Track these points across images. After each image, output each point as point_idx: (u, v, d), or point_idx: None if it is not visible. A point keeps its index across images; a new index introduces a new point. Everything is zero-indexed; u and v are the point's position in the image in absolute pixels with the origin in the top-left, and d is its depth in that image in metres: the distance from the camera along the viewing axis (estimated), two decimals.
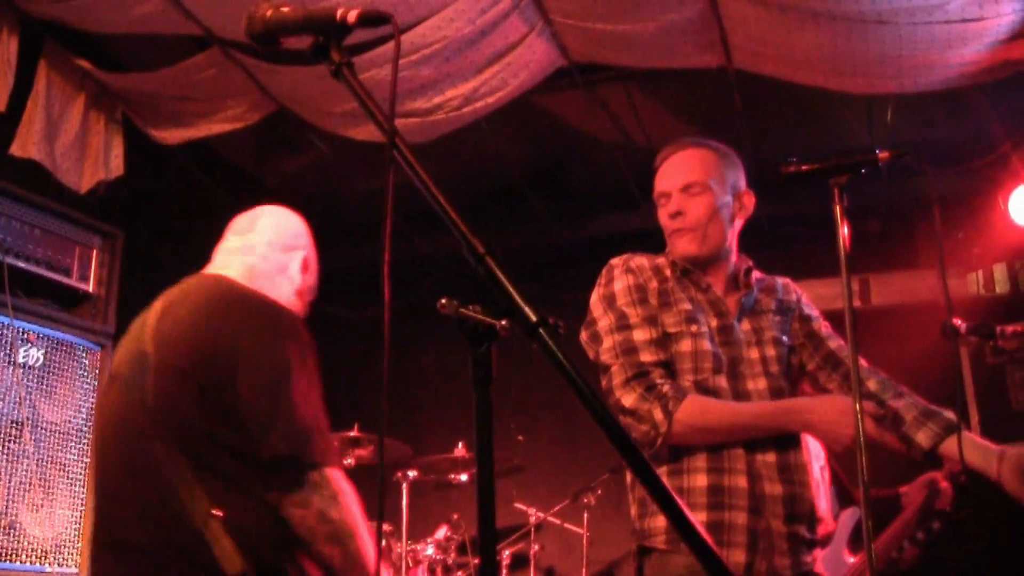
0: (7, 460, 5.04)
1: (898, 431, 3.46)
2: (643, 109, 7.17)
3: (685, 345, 3.41)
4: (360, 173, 7.57)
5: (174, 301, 3.08)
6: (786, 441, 3.38)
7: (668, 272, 3.56)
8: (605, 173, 8.08)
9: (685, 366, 3.39)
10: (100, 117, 6.39)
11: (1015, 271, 7.73)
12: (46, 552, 5.12)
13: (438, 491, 7.88)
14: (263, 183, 7.95)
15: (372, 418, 6.48)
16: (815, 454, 5.24)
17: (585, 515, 7.17)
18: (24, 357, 5.24)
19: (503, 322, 1.85)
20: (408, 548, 5.90)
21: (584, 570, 7.19)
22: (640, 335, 3.39)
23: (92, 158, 6.30)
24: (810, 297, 4.01)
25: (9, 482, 5.02)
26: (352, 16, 2.11)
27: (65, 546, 5.23)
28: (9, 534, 4.98)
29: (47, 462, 5.22)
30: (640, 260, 3.59)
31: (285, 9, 2.19)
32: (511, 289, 1.85)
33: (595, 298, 3.54)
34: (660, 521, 3.31)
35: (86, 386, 5.50)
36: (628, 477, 3.52)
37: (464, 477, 6.98)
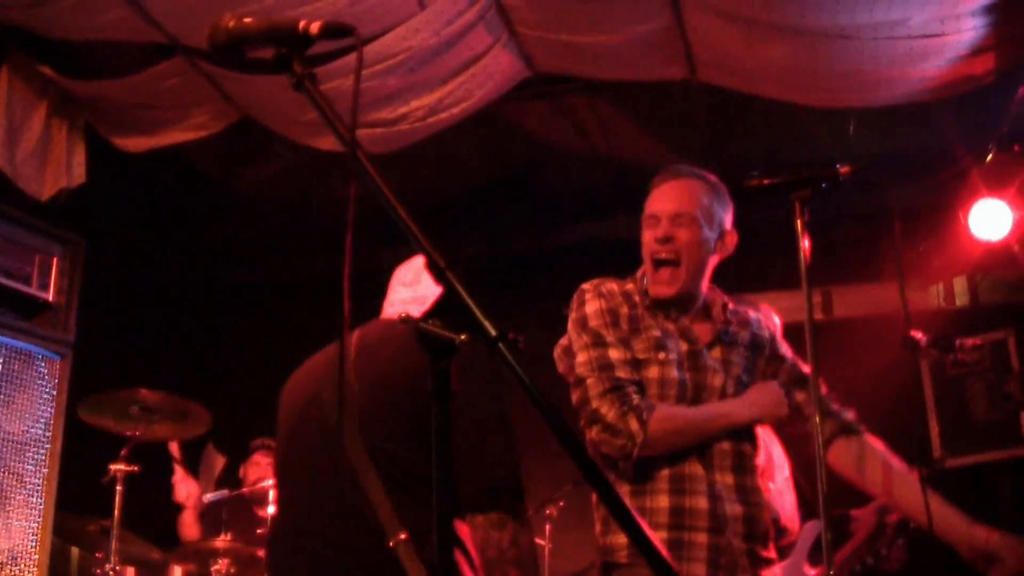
0: None
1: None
2: (608, 120, 7.19)
3: (652, 372, 3.47)
4: (326, 183, 7.55)
5: (372, 343, 3.33)
6: (743, 465, 3.49)
7: (637, 299, 3.61)
8: (570, 183, 8.10)
9: (651, 392, 3.45)
10: (62, 124, 6.35)
11: (975, 284, 7.79)
12: (2, 564, 5.07)
13: None
14: (230, 191, 7.91)
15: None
16: (779, 464, 5.25)
17: (548, 527, 7.15)
18: None
19: (462, 336, 1.85)
20: None
21: None
22: (615, 353, 3.45)
23: (54, 165, 6.25)
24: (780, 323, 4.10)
25: None
26: (314, 27, 2.10)
27: (22, 558, 5.18)
28: None
29: (4, 472, 5.17)
30: (611, 285, 3.63)
31: (248, 20, 2.18)
32: (471, 304, 1.85)
33: (570, 323, 3.60)
34: (622, 537, 3.36)
35: (45, 396, 5.45)
36: (595, 495, 3.53)
37: None
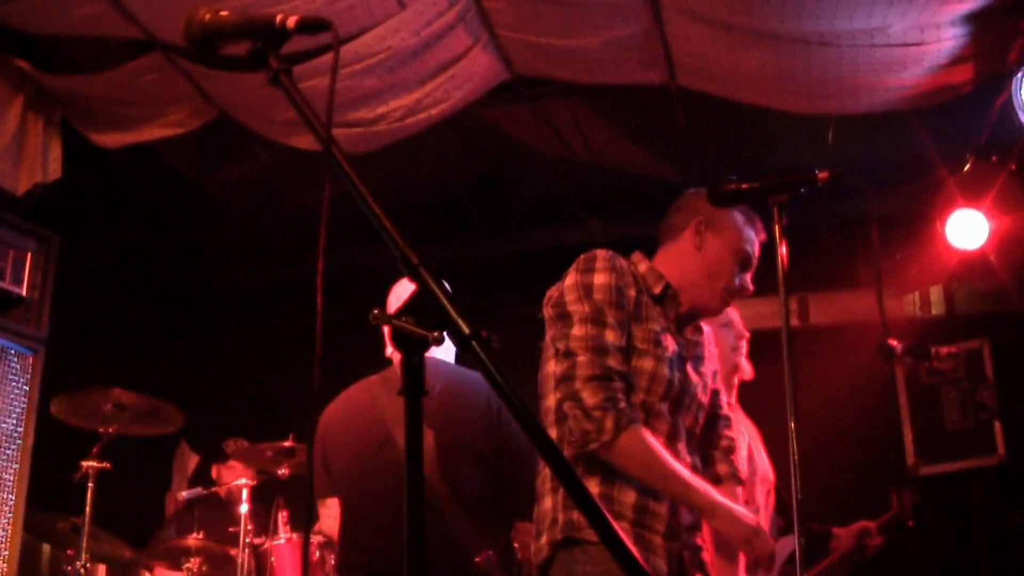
0: None
1: None
2: (586, 124, 7.19)
3: (647, 364, 3.43)
4: (300, 182, 7.53)
5: (455, 385, 4.34)
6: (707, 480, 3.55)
7: (643, 285, 3.57)
8: (547, 187, 8.09)
9: (640, 383, 3.41)
10: (38, 119, 6.30)
11: (951, 293, 7.82)
12: None
13: None
14: (205, 190, 7.88)
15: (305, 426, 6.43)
16: (763, 477, 5.25)
17: None
18: None
19: (435, 334, 1.85)
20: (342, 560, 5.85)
21: None
22: (612, 337, 3.36)
23: (29, 160, 6.21)
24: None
25: None
26: (291, 22, 2.09)
27: None
28: None
29: None
30: (623, 262, 3.55)
31: (224, 13, 2.17)
32: (444, 301, 1.84)
33: (571, 281, 3.47)
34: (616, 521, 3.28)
35: (17, 391, 5.42)
36: (547, 467, 3.47)
37: None
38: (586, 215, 7.99)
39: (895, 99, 5.86)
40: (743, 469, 5.11)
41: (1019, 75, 5.51)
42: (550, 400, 3.47)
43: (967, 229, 6.79)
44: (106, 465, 5.57)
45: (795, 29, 5.32)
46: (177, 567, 6.27)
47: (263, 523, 6.60)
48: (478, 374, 3.16)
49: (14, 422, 5.36)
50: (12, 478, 5.29)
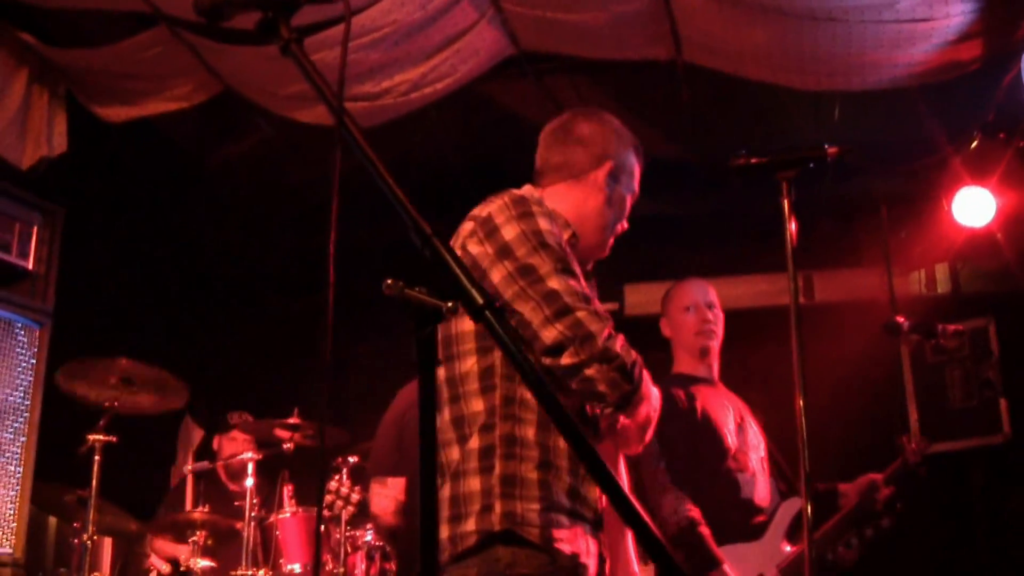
0: None
1: None
2: (590, 100, 7.16)
3: None
4: (305, 157, 7.51)
5: None
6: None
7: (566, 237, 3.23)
8: None
9: None
10: (43, 93, 6.29)
11: (956, 271, 7.82)
12: None
13: None
14: (206, 165, 7.87)
15: (312, 404, 6.44)
16: (754, 445, 5.27)
17: None
18: None
19: (449, 304, 1.84)
20: (347, 534, 5.86)
21: None
22: (587, 288, 3.07)
23: (34, 134, 6.20)
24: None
25: None
26: None
27: (0, 526, 5.16)
28: None
29: None
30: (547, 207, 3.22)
31: None
32: (458, 270, 1.84)
33: (516, 230, 3.07)
34: (552, 514, 2.95)
35: (24, 364, 5.43)
36: (475, 442, 3.01)
37: None
38: None
39: (903, 75, 5.84)
40: (730, 440, 5.15)
41: None
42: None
43: (973, 207, 6.77)
44: (112, 438, 5.57)
45: (802, 5, 5.31)
46: (182, 540, 6.28)
47: (268, 497, 6.63)
48: None
49: (21, 395, 5.37)
50: (19, 451, 5.30)
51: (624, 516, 1.77)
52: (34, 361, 5.48)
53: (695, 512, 4.86)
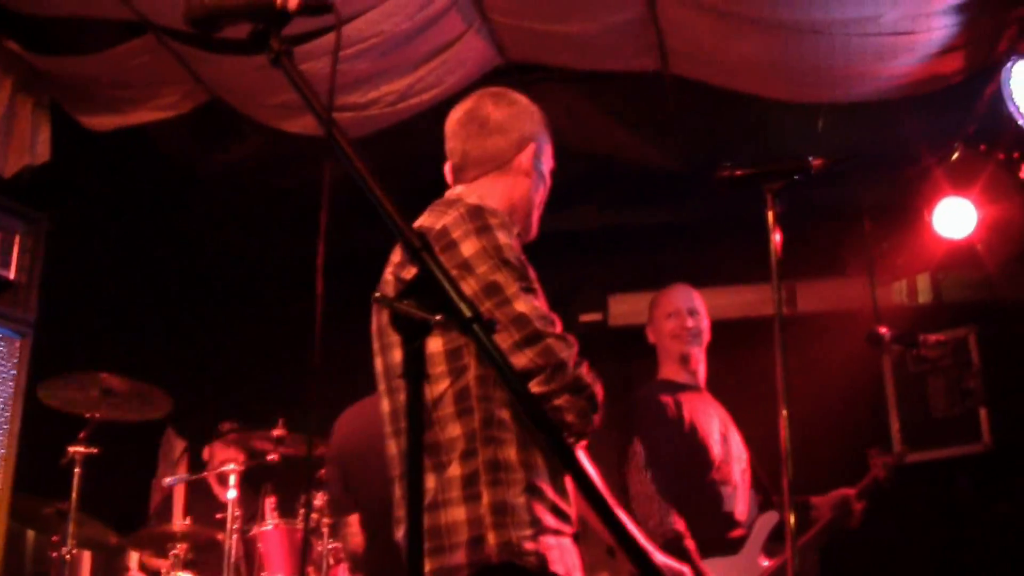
0: None
1: None
2: (578, 111, 7.18)
3: None
4: (293, 166, 7.50)
5: None
6: None
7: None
8: None
9: None
10: (27, 101, 6.25)
11: (938, 282, 7.85)
12: None
13: None
14: (195, 174, 7.85)
15: (299, 414, 6.42)
16: (737, 456, 5.28)
17: None
18: None
19: (437, 317, 1.84)
20: (330, 546, 5.84)
21: None
22: (546, 307, 2.97)
23: (18, 142, 6.17)
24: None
25: None
26: (292, 3, 2.10)
27: None
28: None
29: None
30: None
31: None
32: (446, 284, 1.85)
33: (476, 246, 2.94)
34: (543, 537, 2.87)
35: (4, 375, 5.40)
36: (457, 469, 2.87)
37: None
38: (576, 202, 7.99)
39: (887, 88, 5.88)
40: (715, 451, 5.17)
41: (1008, 65, 5.52)
42: (445, 385, 2.92)
43: (955, 218, 6.80)
44: (93, 450, 5.55)
45: (788, 17, 5.33)
46: (163, 554, 6.26)
47: (250, 509, 6.60)
48: None
49: (1, 406, 5.34)
50: None
51: (610, 529, 1.77)
52: (15, 372, 5.44)
53: (680, 525, 4.86)
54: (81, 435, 5.56)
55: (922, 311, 7.86)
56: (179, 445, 8.36)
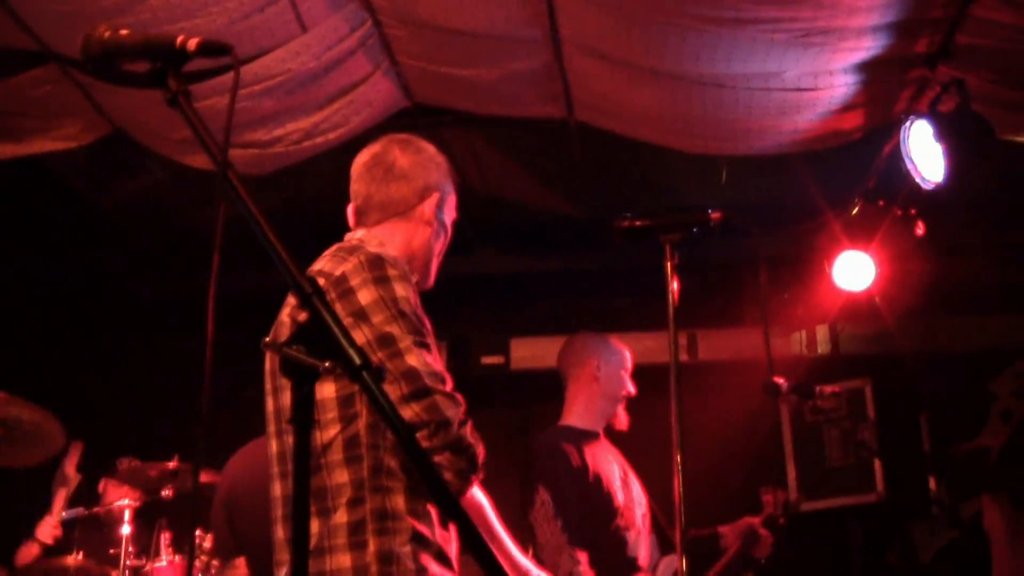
0: None
1: None
2: (483, 155, 7.21)
3: None
4: (194, 200, 7.44)
5: None
6: None
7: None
8: None
9: None
10: None
11: (836, 333, 7.99)
12: None
13: None
14: (96, 207, 7.74)
15: (193, 448, 6.36)
16: (637, 500, 5.31)
17: None
18: None
19: (326, 363, 1.84)
20: None
21: None
22: (439, 364, 3.00)
23: None
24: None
25: None
26: (192, 44, 2.09)
27: None
28: None
29: None
30: (401, 261, 3.10)
31: (124, 32, 2.15)
32: (336, 330, 1.84)
33: (373, 295, 2.94)
34: None
35: None
36: (343, 516, 2.87)
37: None
38: (480, 245, 8.01)
39: (788, 142, 5.97)
40: (619, 498, 5.20)
41: (907, 124, 5.64)
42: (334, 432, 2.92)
43: (853, 271, 6.91)
44: None
45: (692, 70, 5.39)
46: None
47: (144, 545, 6.50)
48: None
49: None
50: None
51: None
52: None
53: (590, 574, 4.88)
54: None
55: (821, 362, 7.99)
56: (74, 479, 8.20)
